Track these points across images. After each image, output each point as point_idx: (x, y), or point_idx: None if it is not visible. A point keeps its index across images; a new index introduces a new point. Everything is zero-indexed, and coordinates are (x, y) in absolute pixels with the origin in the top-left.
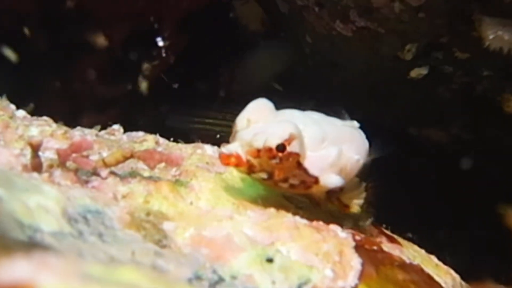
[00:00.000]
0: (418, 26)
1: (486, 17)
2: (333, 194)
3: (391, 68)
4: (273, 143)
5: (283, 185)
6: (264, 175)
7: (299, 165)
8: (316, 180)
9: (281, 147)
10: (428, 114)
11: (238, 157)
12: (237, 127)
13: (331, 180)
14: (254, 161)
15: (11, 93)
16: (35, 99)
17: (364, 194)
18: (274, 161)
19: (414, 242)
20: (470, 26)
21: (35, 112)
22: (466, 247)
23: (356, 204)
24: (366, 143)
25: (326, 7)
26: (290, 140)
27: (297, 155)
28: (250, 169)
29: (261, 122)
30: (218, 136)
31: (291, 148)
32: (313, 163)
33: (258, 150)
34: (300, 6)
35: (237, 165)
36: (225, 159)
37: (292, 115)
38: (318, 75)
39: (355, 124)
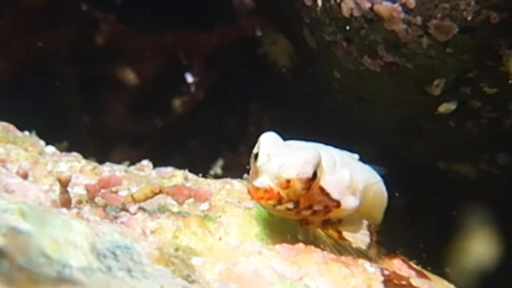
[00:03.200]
0: (445, 62)
1: None
2: (330, 223)
3: (419, 103)
4: (310, 172)
5: (306, 212)
6: (290, 205)
7: (322, 190)
8: (338, 204)
9: (314, 174)
10: (456, 149)
11: (270, 190)
12: (258, 163)
13: (350, 202)
14: (283, 193)
15: (43, 129)
16: (66, 135)
17: (365, 231)
18: (304, 191)
19: (444, 277)
20: (498, 61)
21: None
22: (497, 282)
23: (359, 240)
24: (365, 174)
25: (354, 43)
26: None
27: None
28: (279, 201)
29: (279, 155)
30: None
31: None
32: (333, 187)
33: (288, 181)
34: (329, 42)
35: (269, 198)
36: (257, 193)
37: (301, 144)
38: (346, 110)
39: (355, 156)
